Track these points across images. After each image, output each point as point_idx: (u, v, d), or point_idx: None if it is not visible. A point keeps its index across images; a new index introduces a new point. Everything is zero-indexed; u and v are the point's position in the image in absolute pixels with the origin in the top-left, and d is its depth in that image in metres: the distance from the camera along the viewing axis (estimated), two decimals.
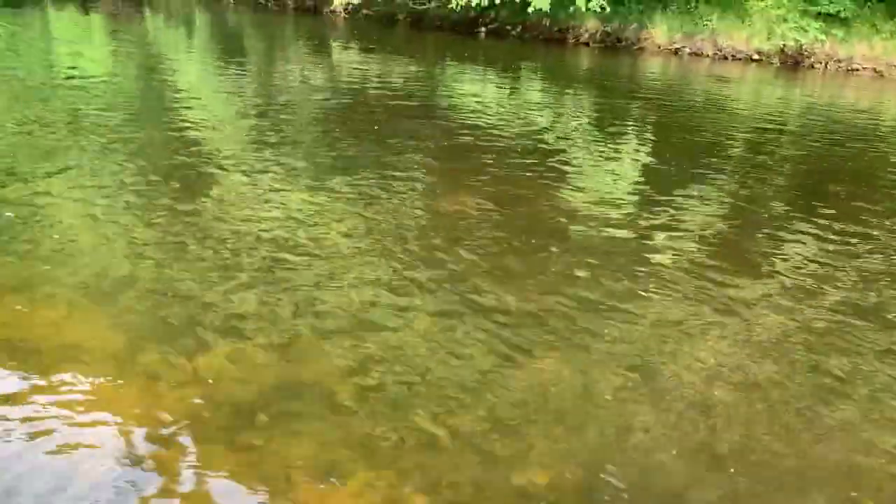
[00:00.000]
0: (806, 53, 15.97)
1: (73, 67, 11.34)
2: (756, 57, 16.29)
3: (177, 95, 10.02)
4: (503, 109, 10.27)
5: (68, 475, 2.89)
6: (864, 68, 15.72)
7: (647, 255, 5.25)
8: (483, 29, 18.04)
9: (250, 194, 5.99)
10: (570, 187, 6.82)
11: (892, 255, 5.54)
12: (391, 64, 13.77)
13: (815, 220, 6.17)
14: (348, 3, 19.75)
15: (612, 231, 5.69)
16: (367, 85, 11.49)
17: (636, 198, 6.64)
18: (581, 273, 4.89)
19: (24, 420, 3.17)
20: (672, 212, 6.17)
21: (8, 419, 3.17)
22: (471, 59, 15.04)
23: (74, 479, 2.88)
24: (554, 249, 5.27)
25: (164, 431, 3.15)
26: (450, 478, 3.00)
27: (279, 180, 6.36)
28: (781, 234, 5.86)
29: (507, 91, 12.04)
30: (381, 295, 4.41)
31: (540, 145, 8.18)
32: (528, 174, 7.02)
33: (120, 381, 3.46)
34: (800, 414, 3.56)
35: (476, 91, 11.84)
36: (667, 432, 3.37)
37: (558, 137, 8.70)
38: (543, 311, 4.35)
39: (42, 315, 3.96)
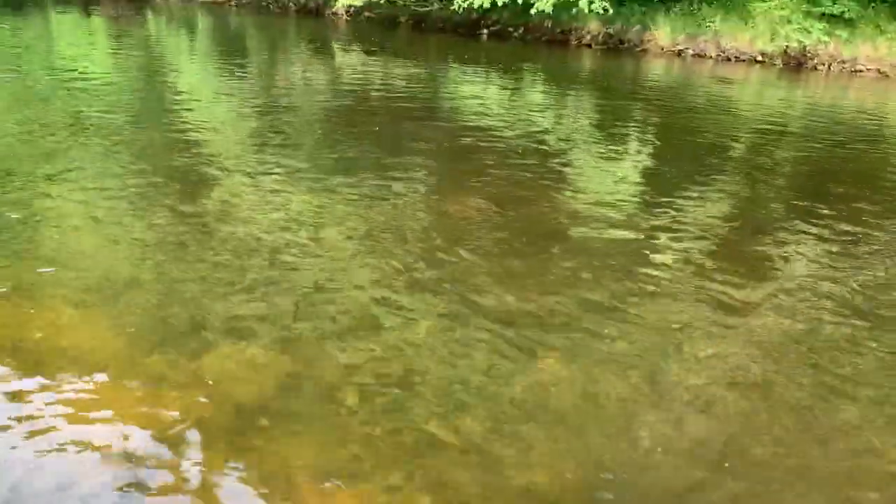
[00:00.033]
0: (809, 55, 15.93)
1: (74, 69, 11.38)
2: (759, 58, 16.25)
3: (178, 97, 10.04)
4: (505, 111, 10.27)
5: (70, 476, 2.90)
6: (868, 69, 15.67)
7: (648, 256, 5.25)
8: (485, 31, 18.03)
9: (252, 195, 6.00)
10: (572, 188, 6.82)
11: (893, 256, 5.53)
12: (393, 66, 13.78)
13: (817, 221, 6.16)
14: (350, 6, 19.77)
15: (613, 232, 5.68)
16: (369, 86, 11.50)
17: (638, 199, 6.63)
18: (582, 274, 4.89)
19: (26, 421, 3.19)
20: (673, 213, 6.16)
21: (10, 420, 3.19)
22: (473, 61, 15.04)
23: (76, 479, 2.89)
24: (555, 250, 5.27)
25: (166, 432, 3.15)
26: (451, 478, 3.00)
27: (281, 182, 6.36)
28: (783, 235, 5.85)
29: (509, 93, 12.03)
30: (382, 295, 4.42)
31: (542, 147, 8.18)
32: (529, 175, 7.02)
33: (121, 382, 3.46)
34: (800, 414, 3.56)
35: (478, 92, 11.84)
36: (668, 432, 3.36)
37: (560, 139, 8.70)
38: (545, 311, 4.35)
39: (44, 316, 3.98)
